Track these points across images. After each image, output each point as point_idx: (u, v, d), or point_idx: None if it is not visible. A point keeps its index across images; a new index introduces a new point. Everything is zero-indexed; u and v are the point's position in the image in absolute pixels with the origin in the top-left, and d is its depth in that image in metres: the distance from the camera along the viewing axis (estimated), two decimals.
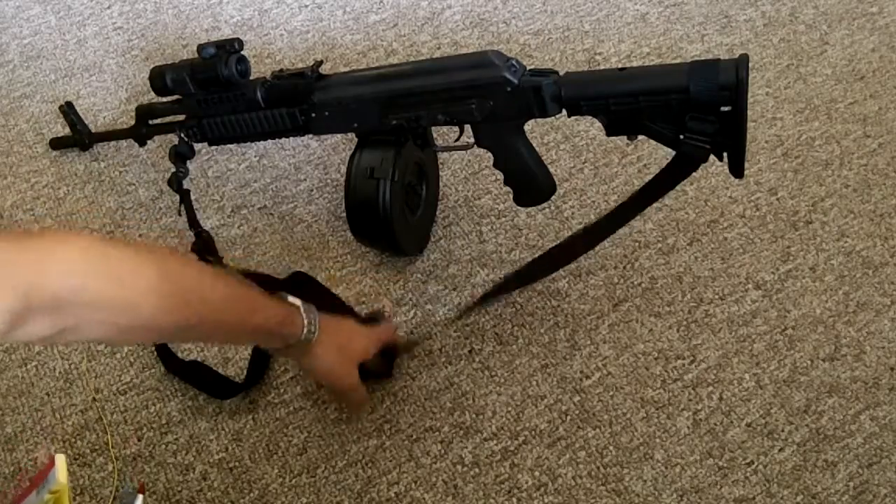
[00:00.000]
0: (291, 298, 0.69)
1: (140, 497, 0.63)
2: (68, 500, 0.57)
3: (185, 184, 0.90)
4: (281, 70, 0.85)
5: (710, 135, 0.67)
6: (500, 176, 0.81)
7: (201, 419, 0.80)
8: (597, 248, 0.91)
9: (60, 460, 0.57)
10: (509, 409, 0.81)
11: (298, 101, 0.82)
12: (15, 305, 0.44)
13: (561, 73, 0.74)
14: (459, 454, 0.78)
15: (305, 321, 0.68)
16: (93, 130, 1.00)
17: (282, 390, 0.82)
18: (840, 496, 0.76)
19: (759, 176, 0.97)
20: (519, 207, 0.90)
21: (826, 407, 0.81)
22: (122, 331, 0.52)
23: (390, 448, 0.79)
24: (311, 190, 0.97)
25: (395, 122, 0.78)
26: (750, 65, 0.66)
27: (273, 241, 0.92)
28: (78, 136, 0.99)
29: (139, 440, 0.79)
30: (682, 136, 0.68)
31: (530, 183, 0.81)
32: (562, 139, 1.01)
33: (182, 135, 0.88)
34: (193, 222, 0.90)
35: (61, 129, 1.03)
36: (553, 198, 0.84)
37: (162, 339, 0.70)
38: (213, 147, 0.99)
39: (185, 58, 0.87)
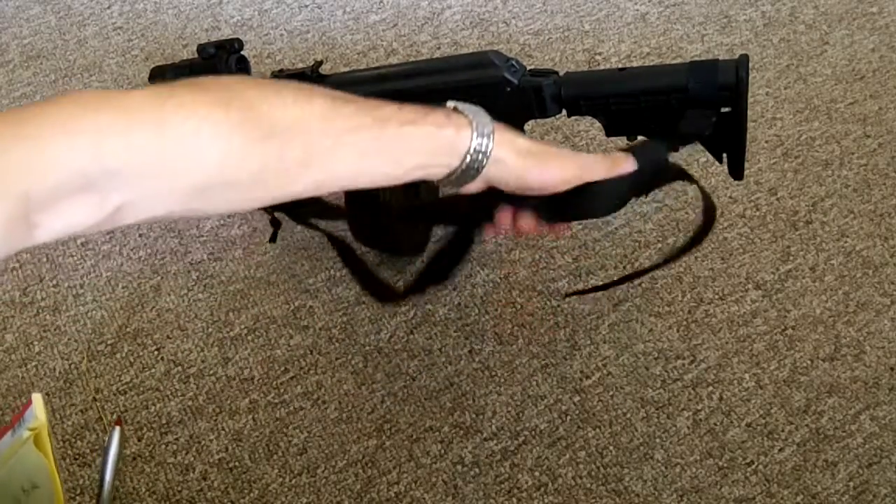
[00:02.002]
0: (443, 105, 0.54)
1: (117, 429, 0.62)
2: (49, 436, 0.56)
3: None
4: (281, 70, 0.85)
5: (710, 120, 0.66)
6: None
7: (201, 419, 0.80)
8: (596, 249, 0.91)
9: (37, 398, 0.56)
10: (509, 409, 0.81)
11: None
12: (12, 212, 0.36)
13: (561, 73, 0.74)
14: (459, 454, 0.78)
15: (474, 125, 0.53)
16: None
17: (282, 390, 0.82)
18: (840, 496, 0.76)
19: (759, 176, 0.97)
20: None
21: (826, 407, 0.81)
22: (188, 196, 0.42)
23: (390, 448, 0.79)
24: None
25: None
26: (750, 65, 0.66)
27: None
28: None
29: (139, 440, 0.79)
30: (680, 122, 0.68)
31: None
32: (562, 139, 1.01)
33: None
34: None
35: None
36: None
37: (259, 195, 0.47)
38: None
39: (185, 58, 0.87)
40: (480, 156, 0.53)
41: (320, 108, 0.47)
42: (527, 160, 0.56)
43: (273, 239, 0.88)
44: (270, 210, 0.85)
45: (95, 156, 0.38)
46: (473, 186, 0.57)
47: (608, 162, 0.62)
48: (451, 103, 0.55)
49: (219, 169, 0.42)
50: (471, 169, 0.54)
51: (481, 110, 0.55)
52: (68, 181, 0.37)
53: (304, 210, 0.85)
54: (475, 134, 0.53)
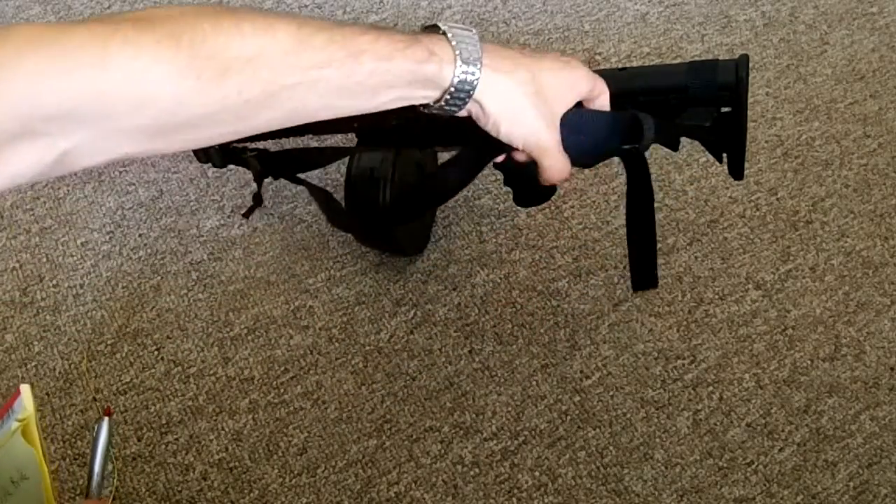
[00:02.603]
0: (433, 27, 0.51)
1: (106, 419, 0.61)
2: (37, 427, 0.55)
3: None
4: None
5: (711, 114, 0.66)
6: (500, 176, 0.81)
7: (201, 419, 0.80)
8: (596, 249, 0.91)
9: (26, 390, 0.55)
10: (509, 409, 0.81)
11: None
12: None
13: None
14: (459, 454, 0.78)
15: (457, 50, 0.49)
16: None
17: (282, 390, 0.82)
18: (840, 496, 0.76)
19: (760, 176, 0.97)
20: (519, 207, 0.90)
21: (826, 407, 0.81)
22: (141, 137, 0.40)
23: (390, 448, 0.79)
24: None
25: (395, 122, 0.78)
26: (750, 65, 0.66)
27: (273, 241, 0.92)
28: None
29: (139, 440, 0.79)
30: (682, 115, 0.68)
31: (530, 183, 0.81)
32: None
33: None
34: None
35: None
36: (553, 198, 0.84)
37: (218, 133, 0.44)
38: None
39: None
40: (464, 92, 0.50)
41: (284, 38, 0.42)
42: (507, 109, 0.53)
43: (247, 214, 0.88)
44: (261, 180, 0.81)
45: (34, 100, 0.35)
46: (460, 115, 0.54)
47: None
48: (442, 25, 0.51)
49: (171, 109, 0.39)
50: (453, 102, 0.51)
51: (471, 36, 0.51)
52: (7, 128, 0.35)
53: (296, 166, 0.82)
54: (458, 67, 0.49)
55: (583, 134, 0.62)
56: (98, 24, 0.37)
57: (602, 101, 0.62)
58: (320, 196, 0.83)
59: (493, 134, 0.55)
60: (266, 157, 0.80)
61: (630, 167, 0.70)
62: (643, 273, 0.77)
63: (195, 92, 0.39)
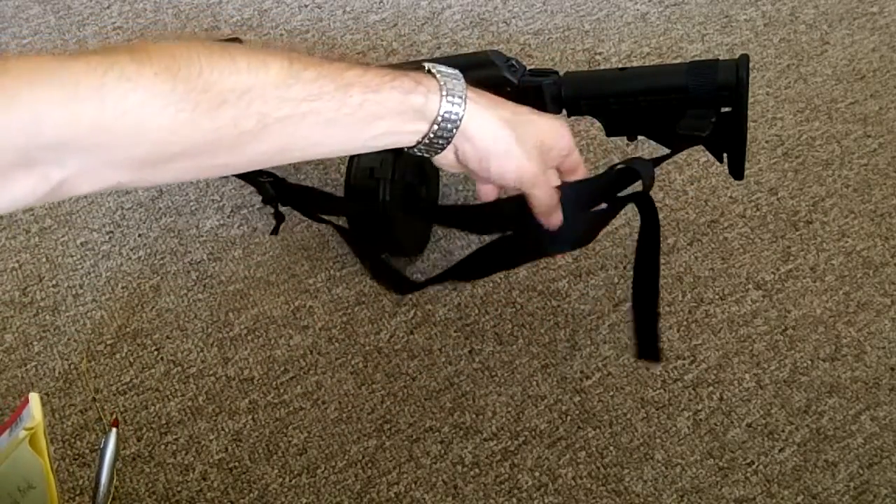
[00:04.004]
0: (416, 65, 0.52)
1: (114, 431, 0.62)
2: (45, 436, 0.56)
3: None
4: None
5: (709, 120, 0.66)
6: None
7: (201, 419, 0.80)
8: (597, 249, 0.91)
9: (34, 398, 0.56)
10: (509, 409, 0.81)
11: None
12: None
13: (561, 73, 0.74)
14: (459, 454, 0.78)
15: (443, 84, 0.50)
16: None
17: (282, 390, 0.82)
18: (840, 496, 0.75)
19: (760, 176, 0.97)
20: None
21: (826, 407, 0.81)
22: (136, 167, 0.40)
23: (390, 448, 0.79)
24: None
25: None
26: (750, 64, 0.66)
27: (273, 241, 0.92)
28: None
29: (139, 440, 0.79)
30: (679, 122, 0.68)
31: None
32: None
33: None
34: None
35: None
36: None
37: (210, 165, 0.45)
38: None
39: None
40: (450, 124, 0.52)
41: (276, 73, 0.44)
42: (495, 143, 0.54)
43: (275, 231, 0.88)
44: (275, 203, 0.84)
45: (33, 131, 0.36)
46: (445, 161, 0.55)
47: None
48: (427, 64, 0.53)
49: (166, 141, 0.40)
50: (440, 136, 0.52)
51: (456, 74, 0.53)
52: (5, 157, 0.36)
53: (312, 205, 0.85)
54: (444, 99, 0.51)
55: (582, 204, 0.64)
56: (96, 57, 0.38)
57: (577, 174, 0.63)
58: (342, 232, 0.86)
59: (484, 174, 0.56)
60: (281, 187, 0.82)
61: (642, 212, 0.70)
62: (646, 341, 0.75)
63: (190, 124, 0.40)
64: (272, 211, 0.86)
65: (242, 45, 0.45)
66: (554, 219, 0.61)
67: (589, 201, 0.65)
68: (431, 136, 0.52)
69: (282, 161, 0.48)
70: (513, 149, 0.55)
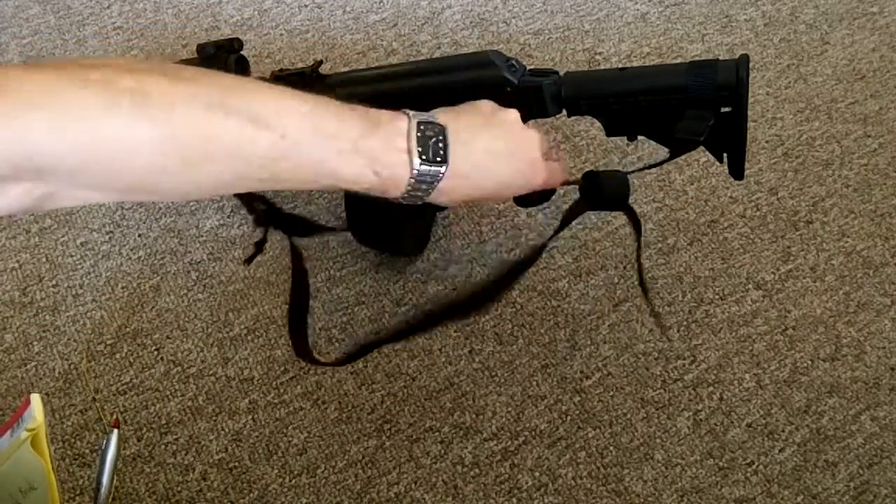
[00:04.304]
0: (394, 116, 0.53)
1: (115, 432, 0.62)
2: (46, 437, 0.56)
3: None
4: (281, 70, 0.85)
5: (707, 123, 0.67)
6: None
7: (201, 419, 0.80)
8: (597, 249, 0.91)
9: (36, 399, 0.56)
10: (509, 409, 0.81)
11: None
12: None
13: (561, 73, 0.74)
14: (459, 454, 0.78)
15: (416, 137, 0.52)
16: None
17: (282, 390, 0.82)
18: (841, 496, 0.75)
19: (760, 176, 0.97)
20: (519, 207, 0.90)
21: (826, 407, 0.81)
22: (115, 192, 0.43)
23: (390, 448, 0.79)
24: (311, 190, 0.97)
25: None
26: (750, 64, 0.65)
27: (273, 241, 0.92)
28: None
29: (139, 440, 0.79)
30: (677, 125, 0.68)
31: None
32: (562, 139, 1.01)
33: None
34: None
35: None
36: (553, 198, 0.84)
37: (178, 197, 0.50)
38: None
39: (184, 57, 0.87)
40: (421, 191, 0.54)
41: (266, 145, 0.46)
42: (452, 194, 0.57)
43: (249, 261, 0.89)
44: (266, 228, 0.87)
45: (26, 151, 0.38)
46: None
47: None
48: (414, 119, 0.53)
49: (145, 181, 0.43)
50: (411, 197, 0.55)
51: (440, 134, 0.53)
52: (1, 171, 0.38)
53: (303, 231, 0.89)
54: (417, 173, 0.52)
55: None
56: (98, 88, 0.39)
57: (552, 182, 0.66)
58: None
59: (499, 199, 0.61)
60: (273, 212, 0.87)
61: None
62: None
63: (174, 170, 0.43)
64: (258, 238, 0.89)
65: (244, 96, 0.45)
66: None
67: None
68: (403, 197, 0.54)
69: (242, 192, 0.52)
70: (503, 181, 0.59)
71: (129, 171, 0.41)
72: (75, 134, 0.39)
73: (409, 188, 0.53)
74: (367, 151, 0.50)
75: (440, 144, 0.53)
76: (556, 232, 0.75)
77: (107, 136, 0.40)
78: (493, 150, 0.57)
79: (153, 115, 0.41)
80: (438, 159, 0.52)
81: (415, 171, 0.52)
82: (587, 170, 0.70)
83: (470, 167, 0.55)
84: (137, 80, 0.41)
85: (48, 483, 0.56)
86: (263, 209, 0.86)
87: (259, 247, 0.89)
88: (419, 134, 0.52)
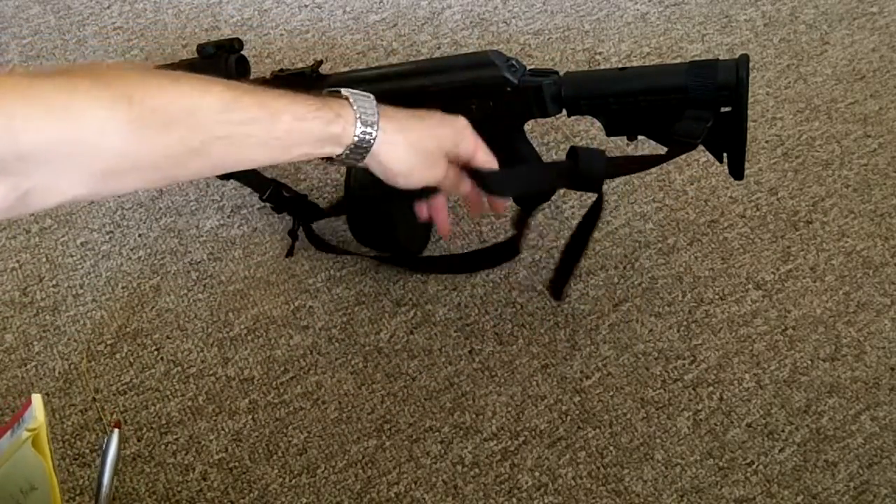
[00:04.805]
0: (337, 91, 0.59)
1: (116, 432, 0.62)
2: (47, 437, 0.56)
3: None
4: (281, 70, 0.85)
5: (705, 125, 0.67)
6: None
7: (201, 419, 0.80)
8: (597, 249, 0.91)
9: (37, 399, 0.56)
10: (509, 409, 0.81)
11: None
12: None
13: (561, 73, 0.74)
14: (459, 454, 0.78)
15: (358, 114, 0.58)
16: None
17: (282, 390, 0.82)
18: (840, 496, 0.75)
19: (760, 176, 0.97)
20: (519, 208, 0.90)
21: (826, 407, 0.81)
22: (93, 180, 0.45)
23: (390, 448, 0.79)
24: (311, 190, 0.97)
25: None
26: (750, 64, 0.66)
27: (273, 241, 0.92)
28: None
29: (139, 440, 0.79)
30: (676, 126, 0.68)
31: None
32: (562, 139, 1.01)
33: None
34: None
35: None
36: (553, 198, 0.84)
37: (159, 178, 0.51)
38: None
39: (184, 57, 0.87)
40: (361, 149, 0.59)
41: (218, 99, 0.50)
42: (398, 164, 0.62)
43: (290, 253, 0.90)
44: (296, 226, 0.91)
45: (8, 140, 0.40)
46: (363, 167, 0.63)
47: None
48: (345, 91, 0.60)
49: (121, 156, 0.46)
50: (353, 157, 0.60)
51: (370, 102, 0.60)
52: None
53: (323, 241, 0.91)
54: (359, 129, 0.58)
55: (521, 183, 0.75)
56: (61, 79, 0.43)
57: (479, 161, 0.70)
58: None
59: (392, 183, 0.64)
60: (283, 197, 0.90)
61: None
62: (559, 282, 0.83)
63: (143, 141, 0.46)
64: (291, 227, 0.90)
65: (189, 74, 0.51)
66: (474, 197, 0.73)
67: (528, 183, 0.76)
68: (345, 157, 0.60)
69: (217, 172, 0.57)
70: (415, 167, 0.64)
71: (102, 153, 0.44)
72: (50, 120, 0.41)
73: (349, 151, 0.59)
74: (306, 96, 0.56)
75: (373, 117, 0.60)
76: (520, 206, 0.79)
77: (77, 119, 0.43)
78: (418, 117, 0.64)
79: (113, 88, 0.45)
80: (370, 129, 0.59)
81: (357, 131, 0.58)
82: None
83: (399, 128, 0.62)
84: (95, 69, 0.46)
85: (49, 483, 0.56)
86: (283, 195, 0.90)
87: (294, 235, 0.90)
88: (358, 109, 0.59)
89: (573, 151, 0.69)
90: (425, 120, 0.65)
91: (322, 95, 0.59)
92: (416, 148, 0.63)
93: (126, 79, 0.46)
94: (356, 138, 0.59)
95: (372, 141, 0.59)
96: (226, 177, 0.91)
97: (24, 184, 0.42)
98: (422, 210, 0.75)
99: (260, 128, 0.53)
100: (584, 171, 0.68)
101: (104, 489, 0.61)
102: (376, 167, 0.62)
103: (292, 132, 0.55)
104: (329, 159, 0.60)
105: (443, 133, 0.66)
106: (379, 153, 0.61)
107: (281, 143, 0.55)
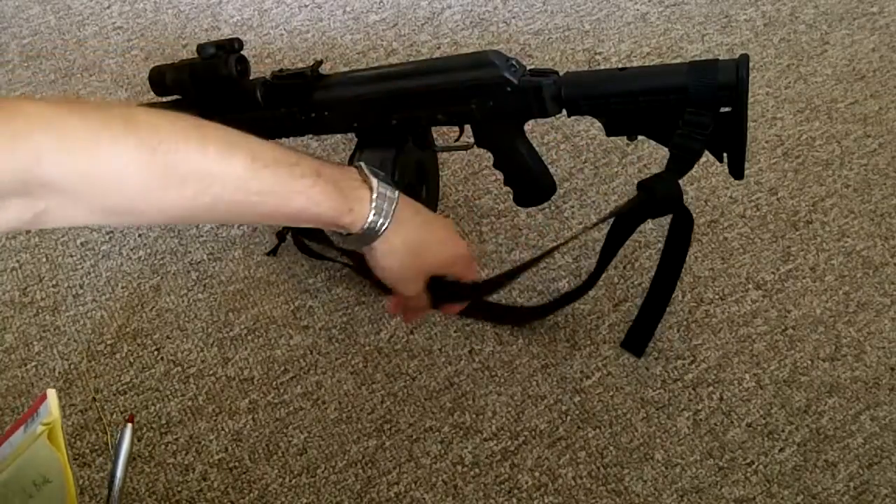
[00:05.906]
0: (363, 172, 0.61)
1: (129, 426, 0.63)
2: (62, 433, 0.57)
3: None
4: (281, 70, 0.85)
5: (706, 129, 0.67)
6: (500, 176, 0.81)
7: (201, 419, 0.80)
8: (596, 249, 0.91)
9: (52, 394, 0.57)
10: (509, 409, 0.81)
11: (298, 101, 0.82)
12: None
13: (561, 73, 0.74)
14: (459, 454, 0.78)
15: (372, 212, 0.59)
16: None
17: (282, 390, 0.82)
18: (840, 496, 0.76)
19: (760, 176, 0.97)
20: (519, 207, 0.90)
21: (826, 407, 0.81)
22: (101, 213, 0.48)
23: (390, 448, 0.79)
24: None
25: (395, 122, 0.78)
26: (750, 64, 0.66)
27: (273, 242, 0.92)
28: None
29: (139, 440, 0.79)
30: (677, 131, 0.68)
31: (530, 183, 0.81)
32: (562, 139, 1.01)
33: None
34: None
35: None
36: (553, 198, 0.84)
37: (165, 220, 0.55)
38: None
39: (184, 58, 0.87)
40: (361, 241, 0.62)
41: (239, 169, 0.52)
42: (387, 260, 0.64)
43: (273, 252, 0.90)
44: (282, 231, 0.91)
45: (34, 168, 0.42)
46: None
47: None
48: (374, 182, 0.60)
49: (134, 199, 0.48)
50: (350, 241, 0.62)
51: (389, 202, 0.61)
52: (10, 187, 0.42)
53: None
54: (366, 227, 0.60)
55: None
56: (95, 116, 0.45)
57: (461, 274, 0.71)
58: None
59: (370, 265, 0.66)
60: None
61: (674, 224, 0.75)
62: (639, 335, 0.83)
63: (156, 191, 0.48)
64: (280, 230, 0.90)
65: (217, 129, 0.52)
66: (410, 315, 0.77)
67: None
68: (344, 236, 0.62)
69: (223, 224, 0.60)
70: (398, 280, 0.66)
71: (117, 193, 0.47)
72: (78, 153, 0.44)
73: (364, 226, 0.60)
74: (330, 180, 0.58)
75: (384, 221, 0.61)
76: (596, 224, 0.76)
77: (101, 158, 0.45)
78: (427, 226, 0.66)
79: (141, 135, 0.47)
80: (379, 227, 0.61)
81: (365, 229, 0.60)
82: (622, 180, 0.69)
83: (404, 239, 0.63)
84: (130, 112, 0.48)
85: (65, 476, 0.56)
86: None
87: (281, 237, 0.91)
88: (376, 206, 0.60)
89: (643, 185, 0.69)
90: (434, 232, 0.67)
91: (348, 175, 0.60)
92: (408, 265, 0.65)
93: (156, 128, 0.48)
94: (359, 232, 0.61)
95: (373, 241, 0.62)
96: None
97: (40, 205, 0.45)
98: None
99: (273, 203, 0.54)
100: (663, 197, 0.68)
101: (117, 483, 0.62)
102: (366, 251, 0.64)
103: (302, 213, 0.57)
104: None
105: (441, 257, 0.68)
106: (375, 248, 0.63)
107: (288, 218, 0.57)
